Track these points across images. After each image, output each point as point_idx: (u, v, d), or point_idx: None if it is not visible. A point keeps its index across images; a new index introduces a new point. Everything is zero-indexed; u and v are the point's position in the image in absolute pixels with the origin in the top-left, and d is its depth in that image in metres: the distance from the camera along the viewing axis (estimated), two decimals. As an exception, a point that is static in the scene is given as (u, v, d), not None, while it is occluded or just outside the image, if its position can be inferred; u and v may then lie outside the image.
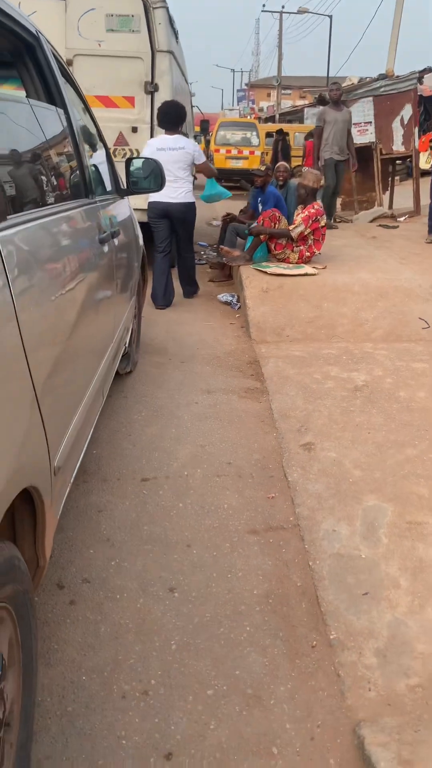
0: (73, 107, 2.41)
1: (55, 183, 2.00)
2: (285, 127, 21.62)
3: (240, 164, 16.65)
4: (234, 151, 17.13)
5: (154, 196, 5.34)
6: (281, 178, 7.29)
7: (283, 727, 1.74)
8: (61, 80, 2.32)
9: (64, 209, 1.88)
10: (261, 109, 42.12)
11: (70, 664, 1.91)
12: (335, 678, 1.89)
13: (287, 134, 17.57)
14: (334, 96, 8.49)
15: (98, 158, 3.12)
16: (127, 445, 3.21)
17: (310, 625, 2.09)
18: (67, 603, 2.14)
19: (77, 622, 2.06)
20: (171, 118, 5.48)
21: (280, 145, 16.29)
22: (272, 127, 21.89)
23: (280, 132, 17.04)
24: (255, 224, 6.01)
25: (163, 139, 5.54)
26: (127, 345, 3.60)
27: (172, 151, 5.41)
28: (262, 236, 5.88)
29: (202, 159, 5.72)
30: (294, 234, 5.77)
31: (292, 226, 5.85)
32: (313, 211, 5.81)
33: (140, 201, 6.29)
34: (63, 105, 2.28)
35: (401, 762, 1.56)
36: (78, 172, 2.33)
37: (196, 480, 2.92)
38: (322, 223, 5.89)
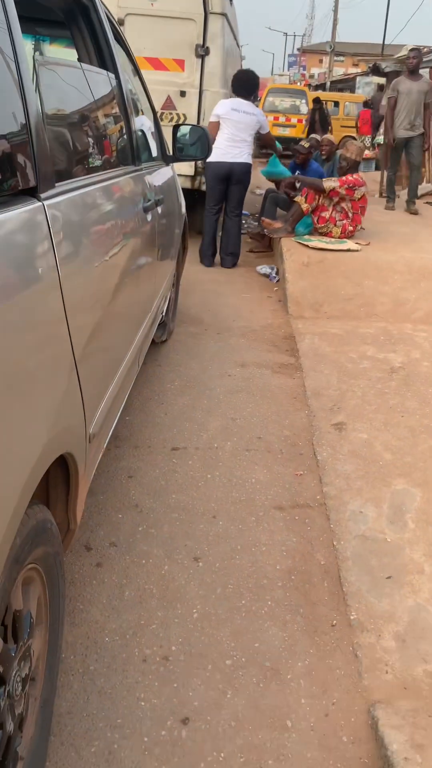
0: (123, 72, 2.39)
1: (104, 149, 1.99)
2: (336, 96, 21.12)
3: (287, 132, 16.34)
4: (282, 119, 16.80)
5: (218, 156, 5.51)
6: (324, 152, 7.13)
7: (299, 701, 1.77)
8: (113, 44, 2.29)
9: (110, 177, 1.87)
10: (312, 76, 41.14)
11: (94, 624, 1.96)
12: (353, 658, 1.92)
13: (323, 103, 16.81)
14: (412, 64, 7.56)
15: (146, 124, 3.09)
16: (160, 413, 3.23)
17: (331, 605, 2.11)
18: (94, 565, 2.19)
19: (103, 584, 2.11)
20: (248, 85, 5.80)
21: (318, 115, 15.21)
22: (324, 95, 21.39)
23: (317, 100, 15.93)
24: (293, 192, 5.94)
25: (238, 101, 5.72)
26: (163, 314, 3.60)
27: (245, 114, 5.65)
28: (299, 201, 5.74)
29: (268, 129, 5.99)
30: (326, 186, 5.62)
31: (326, 180, 5.75)
32: (351, 178, 5.71)
33: (186, 168, 6.26)
34: (114, 69, 2.26)
35: (414, 745, 1.58)
36: (126, 138, 2.31)
37: (225, 452, 2.94)
38: (359, 195, 5.72)
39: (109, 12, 2.35)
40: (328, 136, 8.13)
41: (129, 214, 2.01)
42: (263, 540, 2.38)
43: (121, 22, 5.98)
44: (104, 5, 2.29)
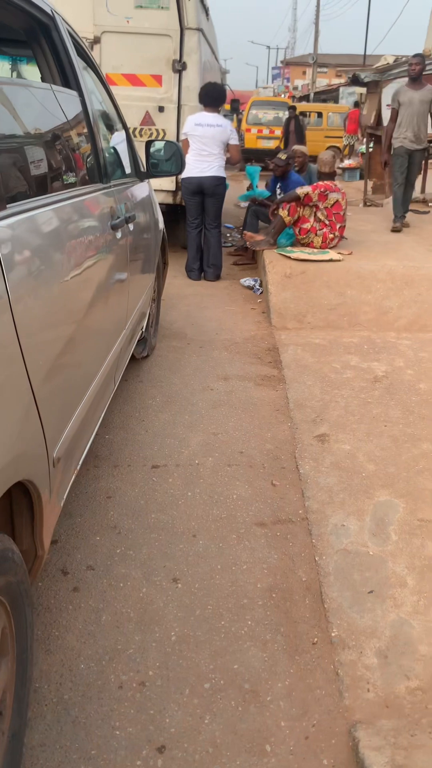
0: (89, 90, 2.37)
1: (65, 168, 1.97)
2: (319, 107, 21.26)
3: (271, 144, 16.43)
4: (266, 131, 16.91)
5: (186, 172, 5.62)
6: (297, 164, 7.09)
7: (278, 724, 1.73)
8: (76, 62, 2.28)
9: (71, 196, 1.85)
10: (296, 88, 41.46)
11: (69, 651, 1.91)
12: (334, 677, 1.88)
13: (299, 112, 15.84)
14: (414, 71, 6.81)
15: (118, 141, 3.08)
16: (140, 430, 3.20)
17: (313, 622, 2.07)
18: (71, 590, 2.15)
19: (79, 609, 2.07)
20: (212, 96, 5.81)
21: (293, 125, 14.31)
22: (307, 107, 21.53)
23: (292, 109, 15.11)
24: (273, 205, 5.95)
25: (203, 115, 5.79)
26: (144, 329, 3.58)
27: (209, 127, 5.69)
28: (282, 214, 5.74)
29: (236, 141, 5.97)
30: (299, 192, 5.62)
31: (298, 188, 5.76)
32: (323, 183, 5.73)
33: (166, 182, 6.27)
34: (78, 88, 2.25)
35: (395, 767, 1.54)
36: (92, 156, 2.30)
37: (206, 469, 2.90)
38: (332, 201, 5.71)
39: (72, 29, 2.34)
40: (300, 147, 8.08)
41: (93, 232, 1.98)
42: (244, 558, 2.35)
43: (97, 40, 6.01)
44: (66, 22, 2.27)
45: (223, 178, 5.90)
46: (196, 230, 6.04)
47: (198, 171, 5.72)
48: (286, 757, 1.64)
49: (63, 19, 2.24)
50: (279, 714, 1.76)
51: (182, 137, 5.84)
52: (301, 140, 13.30)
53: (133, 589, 2.16)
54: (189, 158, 5.64)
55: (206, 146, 5.72)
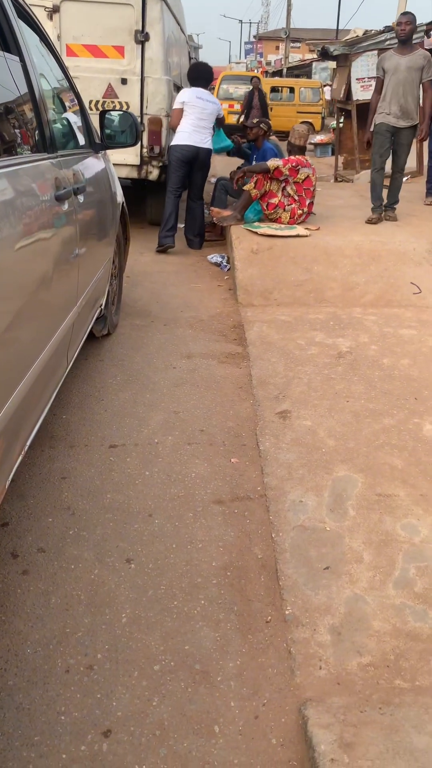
0: (32, 57, 2.26)
1: (1, 136, 1.88)
2: (291, 82, 21.04)
3: (242, 119, 16.20)
4: (236, 106, 16.67)
5: (184, 140, 5.85)
6: (251, 135, 6.53)
7: (228, 705, 1.70)
8: (17, 25, 2.17)
9: (6, 164, 1.76)
10: (269, 63, 41.00)
11: (16, 636, 1.86)
12: (286, 655, 1.85)
13: (271, 87, 15.70)
14: (403, 33, 5.78)
15: (69, 111, 2.97)
16: (99, 410, 3.13)
17: (267, 600, 2.05)
18: (20, 573, 2.09)
19: (28, 592, 2.01)
20: (206, 75, 6.11)
21: (257, 97, 13.71)
22: (278, 81, 21.28)
23: (256, 79, 14.48)
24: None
25: (201, 90, 6.01)
26: (103, 307, 3.50)
27: (208, 103, 5.96)
28: (248, 188, 5.66)
29: (222, 115, 6.29)
30: (270, 165, 5.54)
31: (270, 160, 5.68)
32: (294, 158, 5.65)
33: (131, 156, 6.14)
34: (18, 52, 2.14)
35: (342, 745, 1.52)
36: (35, 125, 2.20)
37: (165, 448, 2.85)
38: (302, 176, 5.64)
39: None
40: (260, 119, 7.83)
41: (32, 202, 1.90)
42: (200, 536, 2.31)
43: (56, 9, 5.82)
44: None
45: (212, 152, 6.18)
46: (178, 198, 6.08)
47: (196, 141, 5.88)
48: (235, 738, 1.62)
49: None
50: (229, 694, 1.73)
51: (177, 106, 5.92)
52: (266, 113, 13.07)
53: (85, 570, 2.11)
54: (185, 126, 5.85)
55: (204, 119, 5.92)
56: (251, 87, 14.26)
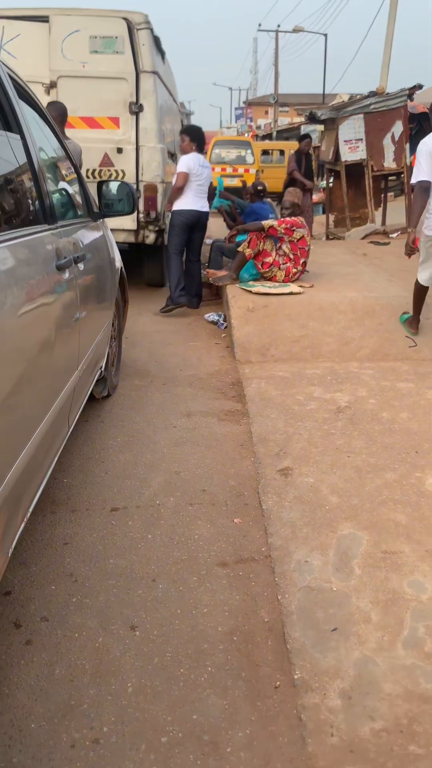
0: (32, 134, 2.36)
1: (5, 210, 1.94)
2: (281, 144, 21.74)
3: (235, 182, 16.66)
4: (229, 169, 17.18)
5: (188, 205, 6.08)
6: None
7: (239, 778, 1.65)
8: (17, 105, 2.27)
9: (8, 238, 1.82)
10: (258, 127, 42.39)
11: (20, 710, 1.82)
12: (297, 722, 1.81)
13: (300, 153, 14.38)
14: None
15: (68, 182, 3.07)
16: (100, 472, 3.13)
17: (275, 664, 2.01)
18: (23, 643, 2.06)
19: (31, 663, 1.98)
20: (201, 140, 6.31)
21: (304, 162, 9.82)
22: (268, 144, 21.99)
23: (306, 139, 10.30)
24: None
25: (200, 157, 6.29)
26: (103, 369, 3.54)
27: (205, 169, 6.24)
28: (242, 249, 5.82)
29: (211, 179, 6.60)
30: (264, 224, 5.73)
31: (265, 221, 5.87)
32: (290, 219, 5.80)
33: (128, 222, 6.31)
34: (20, 131, 2.24)
35: None
36: (36, 198, 2.28)
37: (167, 509, 2.84)
38: (298, 236, 5.79)
39: (12, 71, 2.33)
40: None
41: (35, 272, 1.95)
42: (205, 601, 2.28)
43: (54, 85, 6.08)
44: (6, 65, 2.27)
45: (209, 214, 6.53)
46: (180, 258, 6.34)
47: (200, 206, 6.19)
48: None
49: (2, 62, 2.24)
50: (240, 766, 1.68)
51: (183, 170, 6.03)
52: (308, 177, 9.91)
53: (89, 639, 2.08)
54: (190, 194, 6.07)
55: (203, 185, 6.21)
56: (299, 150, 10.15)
